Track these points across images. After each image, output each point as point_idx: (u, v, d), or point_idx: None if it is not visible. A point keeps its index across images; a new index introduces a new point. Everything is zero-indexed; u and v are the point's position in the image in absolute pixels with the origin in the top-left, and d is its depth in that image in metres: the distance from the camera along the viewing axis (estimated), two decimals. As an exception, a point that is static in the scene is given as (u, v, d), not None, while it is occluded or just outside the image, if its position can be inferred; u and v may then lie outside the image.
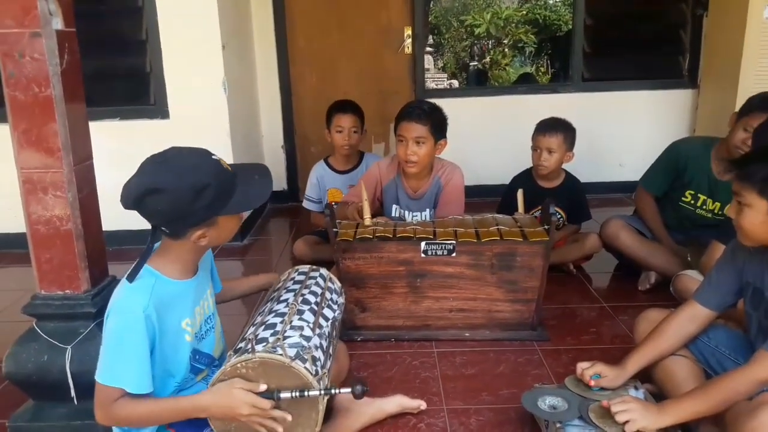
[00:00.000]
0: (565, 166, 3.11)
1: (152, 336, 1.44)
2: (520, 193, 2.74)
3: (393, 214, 2.85)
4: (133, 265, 1.46)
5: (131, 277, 1.44)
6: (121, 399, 1.42)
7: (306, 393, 1.44)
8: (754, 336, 1.70)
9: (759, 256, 1.66)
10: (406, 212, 2.83)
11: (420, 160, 2.64)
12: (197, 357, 1.63)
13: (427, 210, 2.82)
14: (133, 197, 1.40)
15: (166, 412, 1.47)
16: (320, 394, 1.45)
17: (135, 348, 1.41)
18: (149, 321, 1.42)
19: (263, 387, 1.44)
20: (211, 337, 1.69)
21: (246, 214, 1.59)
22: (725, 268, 1.77)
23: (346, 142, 3.28)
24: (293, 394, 1.44)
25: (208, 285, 1.72)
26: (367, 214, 2.46)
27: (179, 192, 1.39)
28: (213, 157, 1.48)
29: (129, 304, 1.43)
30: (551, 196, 2.92)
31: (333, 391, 1.48)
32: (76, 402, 1.77)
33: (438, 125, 2.64)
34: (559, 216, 3.07)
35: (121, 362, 1.41)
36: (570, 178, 3.16)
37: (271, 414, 1.44)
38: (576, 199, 3.13)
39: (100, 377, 1.42)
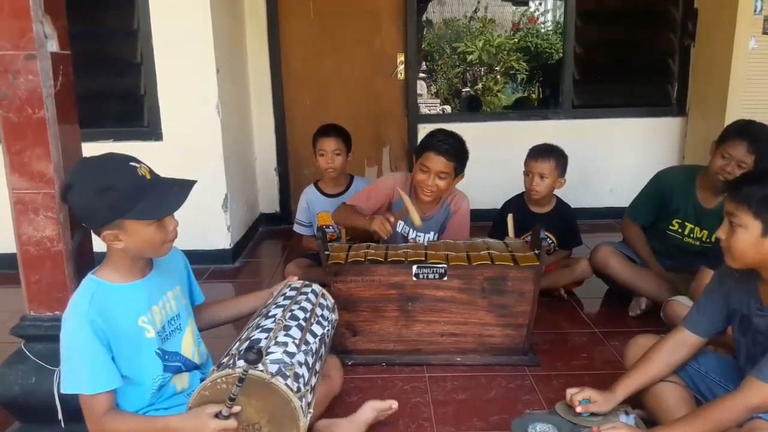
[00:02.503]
0: (556, 192, 3.14)
1: (105, 340, 1.50)
2: (510, 218, 2.77)
3: (397, 230, 2.84)
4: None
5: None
6: (110, 412, 1.49)
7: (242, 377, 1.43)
8: (743, 362, 1.71)
9: (745, 283, 1.68)
10: (411, 231, 2.83)
11: (438, 191, 2.66)
12: (166, 356, 1.65)
13: (432, 233, 2.82)
14: (60, 193, 1.55)
15: (145, 429, 1.53)
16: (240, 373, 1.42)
17: (83, 350, 1.47)
18: (95, 325, 1.48)
19: (237, 409, 1.46)
20: (178, 338, 1.71)
21: (171, 227, 1.57)
22: (713, 295, 1.78)
23: (329, 165, 3.31)
24: (227, 403, 1.44)
25: (170, 287, 1.74)
26: (415, 215, 2.54)
27: (85, 190, 1.49)
28: (132, 163, 1.51)
29: (71, 313, 1.52)
30: (542, 221, 2.93)
31: (241, 375, 1.43)
32: (63, 425, 1.74)
33: (461, 162, 2.67)
34: (550, 241, 3.10)
35: (74, 367, 1.49)
36: (561, 203, 3.19)
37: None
38: (567, 224, 3.15)
39: (64, 388, 1.49)
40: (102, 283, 1.56)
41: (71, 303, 1.54)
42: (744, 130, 2.57)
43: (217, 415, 1.45)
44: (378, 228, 2.51)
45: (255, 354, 1.41)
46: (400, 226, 2.85)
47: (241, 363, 1.44)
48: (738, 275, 1.70)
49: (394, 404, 1.98)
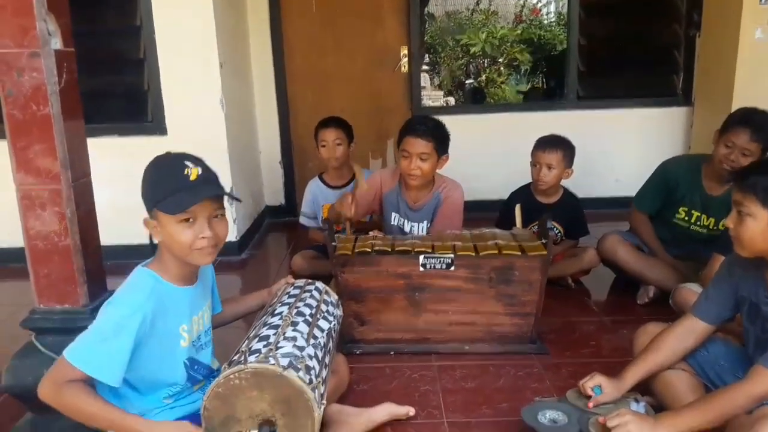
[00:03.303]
0: (563, 182, 3.13)
1: (141, 335, 1.47)
2: (518, 208, 2.76)
3: (392, 222, 2.88)
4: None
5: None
6: (76, 382, 1.43)
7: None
8: (752, 350, 1.70)
9: (754, 270, 1.67)
10: (405, 221, 2.86)
11: (423, 174, 2.69)
12: (195, 367, 1.64)
13: (425, 222, 2.84)
14: None
15: (106, 420, 1.45)
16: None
17: (118, 342, 1.44)
18: (144, 320, 1.47)
19: None
20: (209, 350, 1.72)
21: (202, 233, 1.52)
22: (722, 282, 1.78)
23: (330, 155, 3.33)
24: None
25: (206, 300, 1.74)
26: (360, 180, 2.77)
27: (144, 176, 1.55)
28: (187, 162, 1.52)
29: (128, 299, 1.50)
30: (549, 211, 2.95)
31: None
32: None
33: (441, 142, 2.69)
34: (557, 231, 3.10)
35: (97, 349, 1.44)
36: (568, 194, 3.18)
37: None
38: (574, 214, 3.15)
39: (69, 354, 1.44)
40: (159, 279, 1.56)
41: (129, 290, 1.54)
42: (746, 118, 2.57)
43: None
44: (338, 206, 2.72)
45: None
46: (395, 218, 2.88)
47: (320, 390, 1.48)
48: (746, 263, 1.69)
49: (411, 411, 1.98)
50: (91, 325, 1.49)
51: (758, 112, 2.57)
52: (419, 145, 2.64)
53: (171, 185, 1.50)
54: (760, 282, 1.65)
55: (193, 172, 1.51)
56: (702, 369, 1.81)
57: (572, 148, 3.08)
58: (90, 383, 1.46)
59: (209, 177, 1.55)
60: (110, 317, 1.48)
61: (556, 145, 3.04)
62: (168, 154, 1.56)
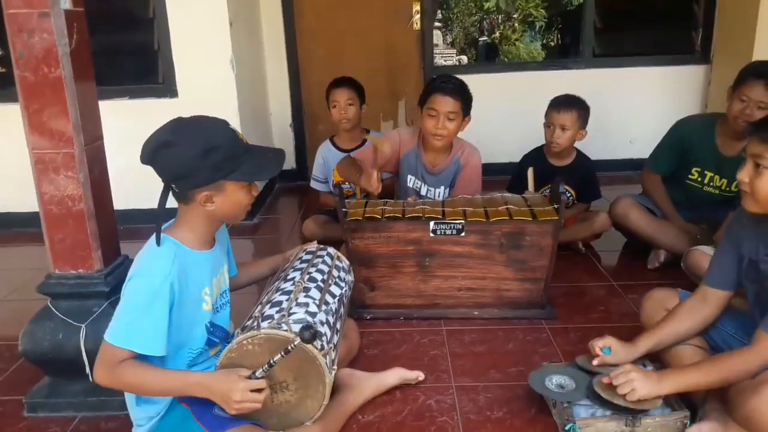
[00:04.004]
0: (576, 144, 3.10)
1: (171, 301, 1.47)
2: (530, 171, 2.74)
3: (408, 185, 2.85)
4: (155, 230, 1.53)
5: (158, 241, 1.51)
6: (128, 361, 1.44)
7: (272, 362, 1.45)
8: (752, 309, 1.70)
9: (754, 228, 1.65)
10: (422, 185, 2.83)
11: (449, 135, 2.65)
12: (213, 330, 1.66)
13: (442, 188, 2.81)
14: (150, 149, 1.47)
15: (171, 386, 1.49)
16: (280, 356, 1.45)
17: (154, 312, 1.44)
18: (172, 286, 1.47)
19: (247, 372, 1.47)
20: (226, 312, 1.74)
21: (255, 192, 1.60)
22: (725, 245, 1.77)
23: (342, 116, 3.31)
24: (264, 367, 1.46)
25: (224, 261, 1.76)
26: (384, 144, 2.64)
27: (190, 147, 1.45)
28: (231, 126, 1.53)
29: (153, 268, 1.48)
30: (562, 174, 2.92)
31: (290, 347, 1.45)
32: (91, 379, 1.80)
33: (467, 102, 2.66)
34: (569, 195, 3.07)
35: (137, 324, 1.44)
36: (581, 156, 3.15)
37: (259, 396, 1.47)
38: (587, 178, 3.12)
39: (111, 337, 1.44)
40: (180, 246, 1.55)
41: (150, 258, 1.51)
42: (760, 70, 2.54)
43: (249, 376, 1.46)
44: (365, 184, 2.57)
45: (311, 333, 1.43)
46: (411, 181, 2.84)
47: (294, 335, 1.45)
48: (747, 221, 1.67)
49: (420, 376, 2.01)
50: (122, 303, 1.48)
51: None
52: (448, 104, 2.58)
53: (235, 153, 1.50)
54: (761, 240, 1.63)
55: (240, 135, 1.54)
56: (708, 335, 1.81)
57: (587, 109, 3.03)
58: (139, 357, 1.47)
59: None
60: (140, 289, 1.46)
61: (571, 105, 2.99)
62: (197, 121, 1.52)
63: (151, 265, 1.49)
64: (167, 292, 1.46)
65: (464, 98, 2.62)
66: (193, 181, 1.49)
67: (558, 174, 2.88)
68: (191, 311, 1.57)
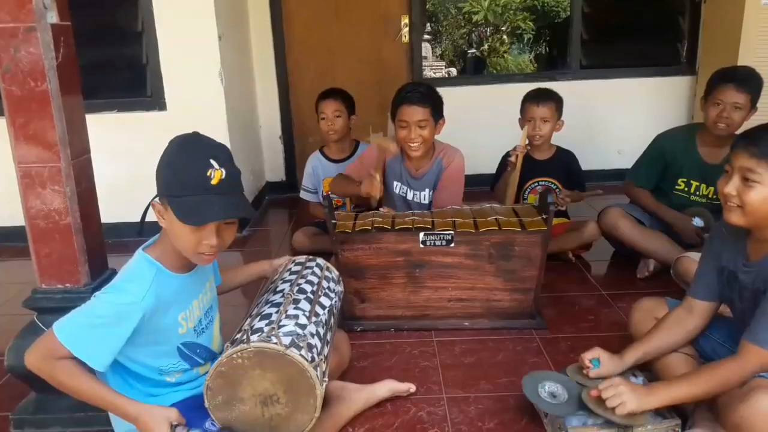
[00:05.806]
0: (556, 135, 3.15)
1: (136, 328, 1.45)
2: (525, 130, 2.91)
3: (395, 191, 2.87)
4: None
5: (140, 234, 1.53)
6: (67, 360, 1.41)
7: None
8: (736, 319, 1.72)
9: (734, 239, 1.67)
10: (408, 189, 2.85)
11: (424, 142, 2.66)
12: (198, 351, 1.65)
13: (427, 190, 2.83)
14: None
15: (97, 399, 1.45)
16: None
17: (111, 330, 1.42)
18: (144, 315, 1.44)
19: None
20: (210, 330, 1.71)
21: (207, 241, 1.47)
22: (706, 256, 1.79)
23: (330, 127, 3.32)
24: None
25: (208, 277, 1.73)
26: (389, 143, 2.67)
27: (165, 154, 1.47)
28: (213, 161, 1.42)
29: (128, 288, 1.46)
30: (545, 167, 3.01)
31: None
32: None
33: (437, 106, 2.67)
34: (555, 186, 3.10)
35: (90, 333, 1.41)
36: (561, 149, 3.21)
37: None
38: (571, 166, 3.18)
39: (60, 331, 1.40)
40: (161, 269, 1.51)
41: (130, 278, 1.48)
42: (728, 73, 2.64)
43: (173, 426, 1.45)
44: (368, 188, 2.59)
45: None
46: (397, 187, 2.86)
47: (322, 368, 1.48)
48: (726, 233, 1.69)
49: (411, 387, 2.00)
50: (86, 305, 1.45)
51: (739, 68, 2.63)
52: (417, 113, 2.60)
53: (190, 183, 1.41)
54: (740, 250, 1.65)
55: (216, 175, 1.41)
56: (698, 343, 1.82)
57: (561, 99, 3.12)
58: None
59: (231, 183, 1.46)
60: (109, 302, 1.44)
61: (548, 97, 3.07)
62: (196, 138, 1.48)
63: (127, 285, 1.47)
64: (134, 318, 1.43)
65: (434, 104, 2.64)
66: (157, 185, 1.49)
67: (541, 168, 2.98)
68: (162, 335, 1.54)
